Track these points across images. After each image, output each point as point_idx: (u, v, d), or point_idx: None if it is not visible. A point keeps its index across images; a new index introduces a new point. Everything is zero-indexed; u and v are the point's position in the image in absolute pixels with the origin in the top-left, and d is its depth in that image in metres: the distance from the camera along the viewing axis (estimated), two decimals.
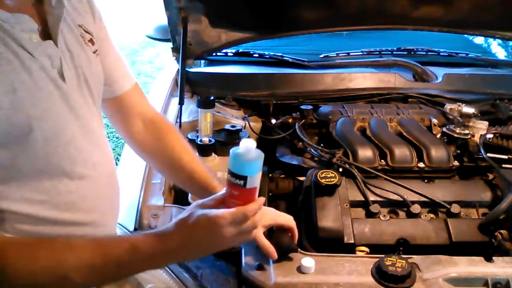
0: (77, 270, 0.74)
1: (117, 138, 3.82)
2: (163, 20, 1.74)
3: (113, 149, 3.61)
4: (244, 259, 1.02)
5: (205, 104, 1.54)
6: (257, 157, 0.79)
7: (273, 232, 1.02)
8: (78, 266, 0.74)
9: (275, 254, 0.97)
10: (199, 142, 1.54)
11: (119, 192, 1.00)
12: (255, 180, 0.79)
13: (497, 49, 2.65)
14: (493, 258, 1.03)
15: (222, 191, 0.84)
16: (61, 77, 0.79)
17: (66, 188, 0.82)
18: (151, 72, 5.31)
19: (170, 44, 1.83)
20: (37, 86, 0.74)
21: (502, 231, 1.16)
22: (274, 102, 1.77)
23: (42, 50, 0.77)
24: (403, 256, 1.00)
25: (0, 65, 0.70)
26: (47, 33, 0.79)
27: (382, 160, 1.39)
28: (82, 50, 0.87)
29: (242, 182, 0.78)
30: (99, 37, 0.95)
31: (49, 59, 0.78)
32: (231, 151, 0.79)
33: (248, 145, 0.77)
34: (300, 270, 0.99)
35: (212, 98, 1.56)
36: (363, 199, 1.27)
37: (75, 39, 0.86)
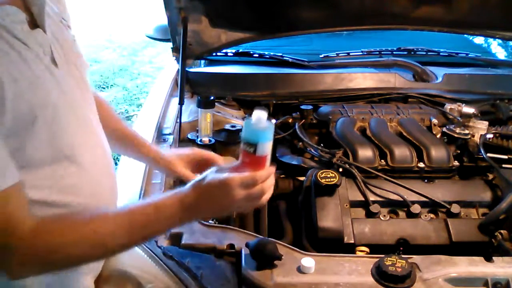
0: (113, 236, 0.80)
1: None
2: (163, 20, 1.74)
3: None
4: (244, 259, 1.02)
5: (205, 104, 1.54)
6: (267, 126, 0.85)
7: (258, 242, 1.03)
8: (114, 231, 0.80)
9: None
10: (199, 142, 1.54)
11: (116, 181, 1.03)
12: (265, 148, 0.85)
13: (497, 49, 2.65)
14: (493, 258, 1.03)
15: (237, 161, 0.91)
16: (53, 63, 0.82)
17: (68, 171, 0.85)
18: (151, 72, 5.31)
19: (170, 44, 1.83)
20: (35, 75, 0.77)
21: (502, 231, 1.17)
22: (274, 102, 1.77)
23: (34, 39, 0.79)
24: (403, 256, 1.00)
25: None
26: (34, 23, 0.81)
27: (382, 160, 1.39)
28: (64, 35, 0.90)
29: (252, 149, 0.84)
30: (71, 25, 0.99)
31: (41, 47, 0.80)
32: (244, 121, 0.87)
33: (259, 115, 0.84)
34: (300, 270, 0.99)
35: (212, 98, 1.57)
36: (363, 199, 1.27)
37: (57, 26, 0.89)
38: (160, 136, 1.54)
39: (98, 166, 0.93)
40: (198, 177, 0.87)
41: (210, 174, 0.86)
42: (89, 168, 0.89)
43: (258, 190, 0.85)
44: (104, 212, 0.85)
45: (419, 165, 1.37)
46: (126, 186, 1.27)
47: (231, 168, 0.88)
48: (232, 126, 1.64)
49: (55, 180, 0.83)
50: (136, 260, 1.04)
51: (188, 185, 0.86)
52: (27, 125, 0.75)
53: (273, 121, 0.84)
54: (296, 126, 1.58)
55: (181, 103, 1.64)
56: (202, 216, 0.96)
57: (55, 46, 0.84)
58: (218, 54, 2.00)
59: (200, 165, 1.19)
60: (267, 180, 0.86)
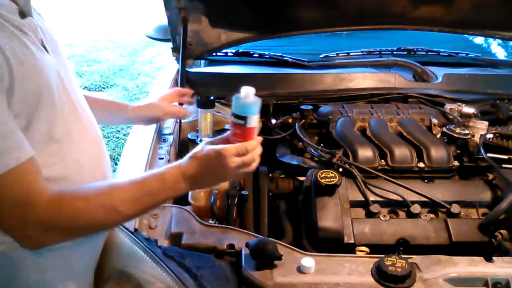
0: (124, 203, 0.87)
1: (117, 138, 3.82)
2: (163, 20, 1.74)
3: (113, 149, 3.60)
4: (244, 259, 1.02)
5: (205, 104, 1.54)
6: (255, 101, 0.94)
7: (258, 242, 1.03)
8: (124, 199, 0.87)
9: (186, 112, 1.24)
10: (199, 142, 1.54)
11: (107, 156, 1.11)
12: (253, 121, 0.95)
13: (497, 49, 2.65)
14: (493, 258, 1.03)
15: (227, 132, 0.99)
16: (44, 48, 0.87)
17: (69, 148, 0.91)
18: (151, 72, 5.31)
19: (170, 44, 1.83)
20: (36, 57, 0.81)
21: (502, 231, 1.17)
22: (274, 102, 1.77)
23: (29, 26, 0.85)
24: (403, 256, 1.00)
25: (5, 43, 0.75)
26: (22, 13, 0.85)
27: (382, 160, 1.39)
28: (45, 23, 0.95)
29: (243, 121, 0.94)
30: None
31: (34, 33, 0.86)
32: (233, 96, 0.95)
33: (247, 91, 0.94)
34: (300, 270, 0.99)
35: (212, 98, 1.57)
36: (363, 199, 1.27)
37: (39, 18, 0.94)
38: (160, 136, 1.54)
39: (91, 142, 1.00)
40: (194, 149, 0.95)
41: (206, 146, 0.94)
42: (87, 146, 0.97)
43: (249, 158, 0.94)
44: (117, 182, 0.95)
45: (419, 165, 1.37)
46: None
47: (223, 140, 0.98)
48: None
49: (58, 157, 0.88)
50: (136, 260, 1.04)
51: (187, 156, 0.94)
52: (33, 105, 0.80)
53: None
54: (296, 126, 1.58)
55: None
56: (201, 184, 1.02)
57: (44, 33, 0.90)
58: (218, 54, 2.00)
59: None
60: (256, 148, 0.96)
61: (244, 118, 0.94)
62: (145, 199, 0.90)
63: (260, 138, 0.98)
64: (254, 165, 0.97)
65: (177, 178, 0.91)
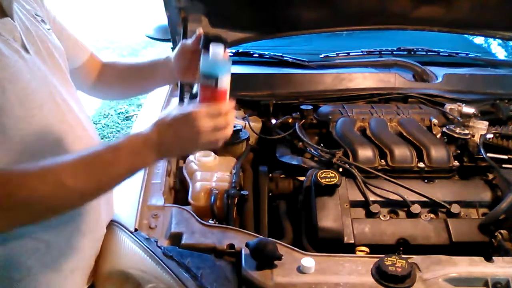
0: (71, 175, 0.79)
1: (117, 138, 3.82)
2: (163, 20, 1.74)
3: None
4: (244, 259, 1.02)
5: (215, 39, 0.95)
6: (225, 59, 0.88)
7: (258, 242, 1.03)
8: (71, 171, 0.79)
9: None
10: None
11: None
12: (224, 82, 0.87)
13: (497, 49, 2.65)
14: (493, 258, 1.03)
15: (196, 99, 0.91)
16: (23, 49, 0.85)
17: (48, 147, 0.87)
18: None
19: (170, 44, 1.83)
20: (4, 54, 0.79)
21: (502, 231, 1.17)
22: (274, 102, 1.77)
23: (3, 24, 0.83)
24: (403, 256, 1.00)
25: None
26: (2, 12, 0.84)
27: (382, 160, 1.39)
28: (38, 27, 0.94)
29: (213, 82, 0.86)
30: (49, 19, 1.03)
31: (10, 33, 0.84)
32: (202, 55, 0.87)
33: (216, 49, 0.87)
34: (300, 270, 0.99)
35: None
36: (363, 199, 1.27)
37: (29, 20, 0.93)
38: None
39: (78, 141, 0.95)
40: (161, 115, 0.87)
41: (173, 110, 0.86)
42: (70, 142, 0.92)
43: (223, 121, 0.86)
44: (65, 156, 0.83)
45: (419, 165, 1.37)
46: (126, 186, 1.26)
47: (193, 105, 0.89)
48: (232, 126, 1.64)
49: (39, 156, 0.82)
50: (136, 260, 1.04)
51: (151, 124, 0.86)
52: None
53: (228, 51, 0.87)
54: (296, 126, 1.58)
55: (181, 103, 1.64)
56: (170, 152, 0.91)
57: (27, 35, 0.88)
58: None
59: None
60: (230, 112, 0.87)
61: (214, 78, 0.85)
62: (98, 171, 0.81)
63: (233, 102, 0.90)
64: (228, 131, 0.88)
65: (138, 147, 0.83)
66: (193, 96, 1.46)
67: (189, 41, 1.07)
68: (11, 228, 0.81)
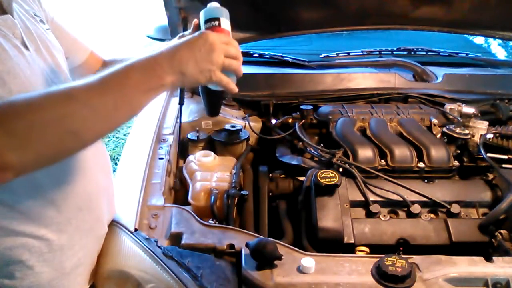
0: (80, 89, 0.73)
1: (117, 138, 3.82)
2: (163, 20, 1.74)
3: (113, 149, 3.60)
4: (244, 259, 1.02)
5: None
6: (223, 7, 0.93)
7: (258, 242, 1.03)
8: (79, 85, 0.74)
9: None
10: None
11: (107, 160, 1.11)
12: (227, 24, 0.92)
13: (497, 49, 2.65)
14: (493, 258, 1.03)
15: None
16: (23, 45, 0.86)
17: None
18: None
19: None
20: (3, 48, 0.80)
21: (502, 231, 1.17)
22: (274, 102, 1.77)
23: (3, 21, 0.84)
24: (403, 256, 1.00)
25: None
26: (2, 10, 0.85)
27: (382, 160, 1.39)
28: (37, 27, 0.94)
29: (216, 22, 0.90)
30: (48, 20, 1.04)
31: (10, 30, 0.84)
32: (201, 12, 0.92)
33: (214, 4, 0.94)
34: (300, 270, 0.99)
35: None
36: (363, 199, 1.27)
37: (28, 20, 0.93)
38: (160, 136, 1.54)
39: None
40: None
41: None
42: None
43: (234, 49, 0.88)
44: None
45: (419, 165, 1.37)
46: (126, 186, 1.27)
47: None
48: (232, 126, 1.64)
49: None
50: (136, 260, 1.04)
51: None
52: None
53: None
54: (296, 126, 1.58)
55: (181, 103, 1.63)
56: (185, 68, 0.82)
57: (26, 33, 0.88)
58: None
59: None
60: (239, 47, 0.89)
61: (217, 19, 0.90)
62: (112, 88, 0.76)
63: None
64: (239, 63, 0.90)
65: (150, 61, 0.79)
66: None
67: (187, 32, 1.06)
68: (40, 163, 0.75)
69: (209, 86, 0.95)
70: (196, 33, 0.85)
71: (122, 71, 0.77)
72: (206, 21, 0.91)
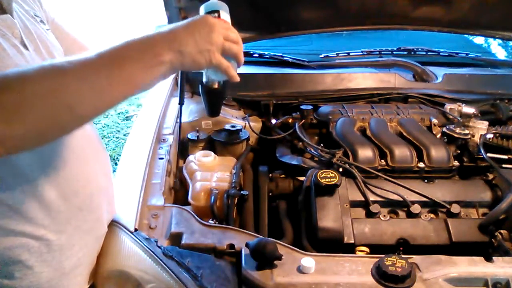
0: (73, 63, 0.72)
1: (117, 138, 3.82)
2: (163, 20, 1.74)
3: (113, 149, 3.61)
4: (244, 259, 1.02)
5: None
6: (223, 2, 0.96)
7: (258, 242, 1.03)
8: (73, 60, 0.72)
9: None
10: None
11: (106, 156, 1.11)
12: (226, 16, 0.95)
13: (497, 49, 2.65)
14: (493, 258, 1.03)
15: None
16: (23, 45, 0.86)
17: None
18: None
19: None
20: (2, 48, 0.80)
21: (502, 231, 1.17)
22: (274, 102, 1.77)
23: (2, 21, 0.84)
24: (403, 256, 1.00)
25: None
26: (2, 10, 0.85)
27: (382, 160, 1.39)
28: (37, 26, 0.95)
29: (216, 14, 0.93)
30: (48, 20, 1.05)
31: (10, 29, 0.84)
32: (200, 8, 0.94)
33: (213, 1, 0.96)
34: (300, 270, 0.99)
35: None
36: (363, 199, 1.27)
37: (28, 20, 0.93)
38: (160, 136, 1.54)
39: (80, 141, 0.97)
40: None
41: None
42: (70, 143, 0.93)
43: (234, 35, 0.89)
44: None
45: (419, 165, 1.37)
46: (126, 186, 1.27)
47: None
48: (232, 126, 1.64)
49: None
50: (136, 260, 1.04)
51: None
52: None
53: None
54: (296, 126, 1.58)
55: (181, 103, 1.63)
56: (184, 48, 0.80)
57: (24, 31, 0.89)
58: None
59: None
60: (239, 36, 0.90)
61: (216, 11, 0.93)
62: (108, 65, 0.74)
63: None
64: (240, 47, 0.91)
65: (148, 40, 0.77)
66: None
67: None
68: (33, 138, 0.73)
69: (209, 75, 0.97)
70: (196, 17, 0.85)
71: (119, 47, 0.75)
72: (206, 13, 0.93)
